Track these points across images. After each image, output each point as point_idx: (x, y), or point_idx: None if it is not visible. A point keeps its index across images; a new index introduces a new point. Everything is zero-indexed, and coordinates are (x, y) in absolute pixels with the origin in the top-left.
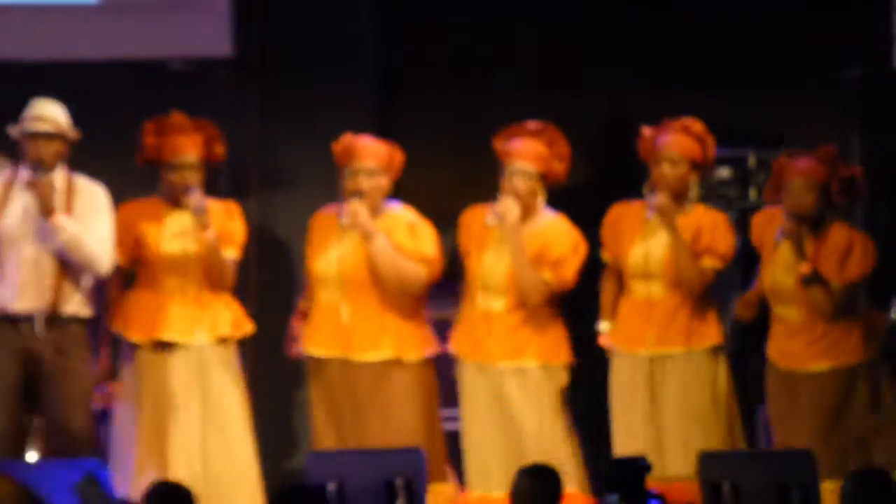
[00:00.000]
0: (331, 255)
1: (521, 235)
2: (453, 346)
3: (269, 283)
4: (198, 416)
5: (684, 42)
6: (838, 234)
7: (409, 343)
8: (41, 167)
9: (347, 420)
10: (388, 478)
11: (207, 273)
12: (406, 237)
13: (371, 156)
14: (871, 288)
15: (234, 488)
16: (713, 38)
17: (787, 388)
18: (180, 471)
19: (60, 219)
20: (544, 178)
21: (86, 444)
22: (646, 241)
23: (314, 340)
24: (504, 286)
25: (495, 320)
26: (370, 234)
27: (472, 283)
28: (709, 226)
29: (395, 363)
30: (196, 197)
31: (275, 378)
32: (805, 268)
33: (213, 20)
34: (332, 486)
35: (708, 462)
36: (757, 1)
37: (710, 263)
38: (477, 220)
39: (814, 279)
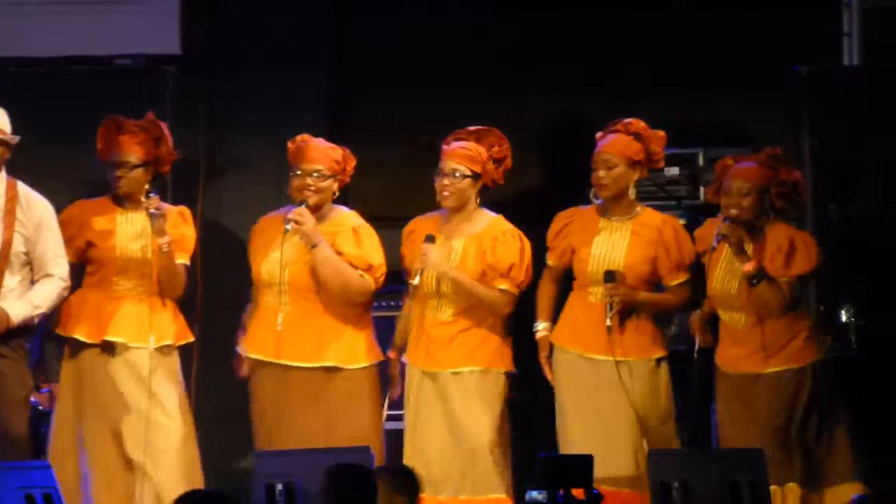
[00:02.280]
0: (275, 259)
1: (454, 270)
2: (395, 354)
3: (217, 284)
4: (142, 417)
5: (633, 41)
6: (778, 233)
7: (351, 351)
8: None
9: (285, 424)
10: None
11: (160, 278)
12: (351, 243)
13: (320, 158)
14: (820, 290)
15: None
16: (662, 37)
17: (735, 392)
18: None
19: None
20: (478, 178)
21: (24, 446)
22: (600, 247)
23: (254, 344)
24: (449, 295)
25: (439, 328)
26: (315, 243)
27: (418, 292)
28: (673, 237)
29: (340, 369)
30: (154, 202)
31: (223, 380)
32: (749, 266)
33: (163, 17)
34: (279, 487)
35: (657, 461)
36: None
37: (683, 278)
38: (421, 230)
39: (759, 276)
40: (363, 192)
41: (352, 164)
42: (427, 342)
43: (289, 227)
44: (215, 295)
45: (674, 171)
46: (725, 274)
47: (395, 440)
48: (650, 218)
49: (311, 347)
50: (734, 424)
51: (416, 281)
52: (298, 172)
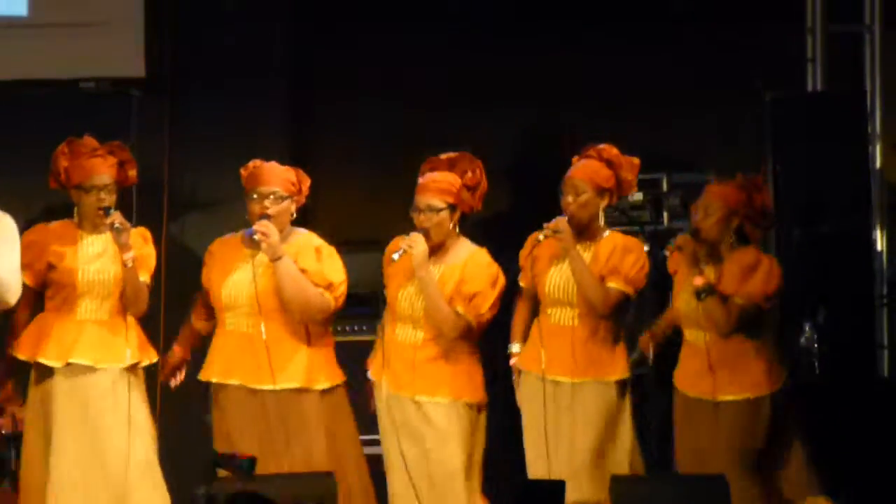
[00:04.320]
0: (237, 280)
1: (430, 271)
2: (372, 374)
3: (181, 305)
4: (112, 439)
5: (596, 65)
6: (745, 255)
7: (318, 371)
8: None
9: (252, 447)
10: (299, 501)
11: (125, 296)
12: (313, 260)
13: (275, 181)
14: (783, 312)
15: None
16: (625, 62)
17: (694, 415)
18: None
19: None
20: (455, 208)
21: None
22: (559, 269)
23: (219, 367)
24: (422, 319)
25: (410, 351)
26: (278, 255)
27: (390, 314)
28: (619, 249)
29: (304, 391)
30: (117, 217)
31: (183, 401)
32: (699, 280)
33: (127, 40)
34: None
35: (620, 486)
36: (671, 24)
37: (614, 285)
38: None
39: (707, 292)
40: (325, 213)
41: (307, 183)
42: (397, 364)
43: (256, 237)
44: (179, 316)
45: (637, 196)
46: (688, 291)
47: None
48: (612, 240)
49: (282, 368)
50: (691, 447)
51: (396, 256)
52: (255, 196)
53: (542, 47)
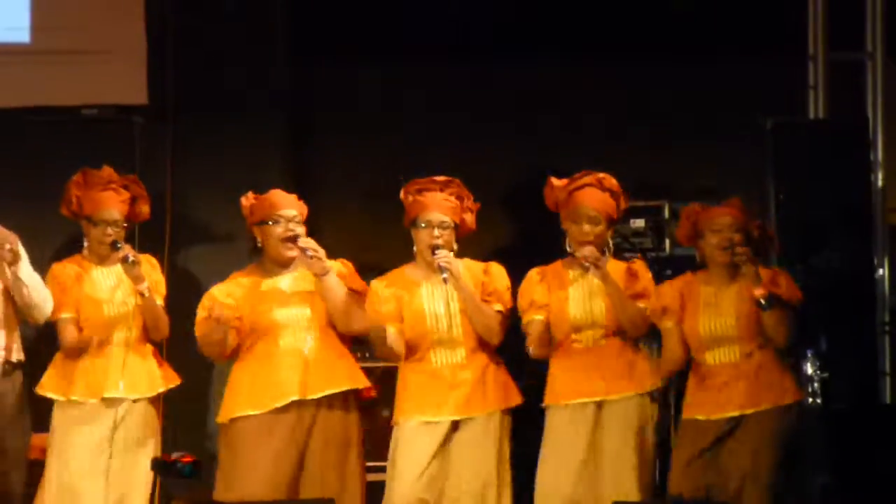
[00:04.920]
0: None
1: (466, 284)
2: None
3: (183, 331)
4: (133, 467)
5: (598, 92)
6: (763, 270)
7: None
8: None
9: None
10: None
11: (146, 323)
12: (346, 276)
13: (293, 204)
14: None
15: None
16: (627, 88)
17: (709, 436)
18: None
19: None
20: (457, 228)
21: (21, 461)
22: (578, 293)
23: (273, 392)
24: (460, 337)
25: (455, 371)
26: (327, 270)
27: (422, 342)
28: (631, 272)
29: (347, 401)
30: (128, 249)
31: (190, 427)
32: (760, 290)
33: (130, 67)
34: None
35: None
36: (672, 51)
37: (645, 305)
38: (399, 286)
39: (770, 301)
40: (325, 240)
41: (304, 211)
42: (444, 388)
43: (309, 252)
44: (183, 342)
45: (639, 223)
46: (714, 314)
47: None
48: (617, 265)
49: (335, 376)
50: (698, 471)
51: (445, 276)
52: (278, 221)
53: (541, 76)
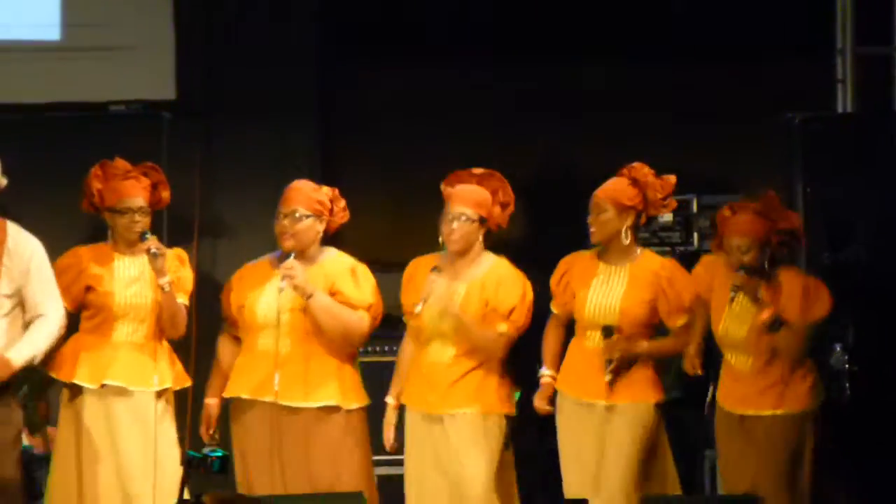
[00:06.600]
0: (270, 301)
1: (457, 310)
2: (404, 399)
3: (212, 328)
4: (144, 461)
5: (626, 88)
6: (791, 279)
7: (349, 391)
8: None
9: (276, 466)
10: None
11: (161, 321)
12: (350, 283)
13: (297, 199)
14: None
15: None
16: (655, 84)
17: (737, 432)
18: None
19: None
20: (484, 222)
21: (15, 491)
22: (596, 291)
23: (248, 385)
24: (451, 336)
25: (440, 370)
26: (309, 294)
27: (420, 334)
28: (667, 278)
29: (333, 409)
30: (154, 242)
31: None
32: (766, 314)
33: (158, 63)
34: None
35: None
36: (700, 46)
37: (681, 322)
38: (422, 273)
39: (777, 324)
40: (354, 235)
41: (340, 204)
42: (426, 384)
43: (283, 284)
44: (210, 337)
45: (668, 217)
46: (734, 318)
47: (387, 485)
48: (648, 261)
49: (311, 387)
50: (732, 465)
51: (418, 309)
52: (279, 214)
53: (570, 69)
